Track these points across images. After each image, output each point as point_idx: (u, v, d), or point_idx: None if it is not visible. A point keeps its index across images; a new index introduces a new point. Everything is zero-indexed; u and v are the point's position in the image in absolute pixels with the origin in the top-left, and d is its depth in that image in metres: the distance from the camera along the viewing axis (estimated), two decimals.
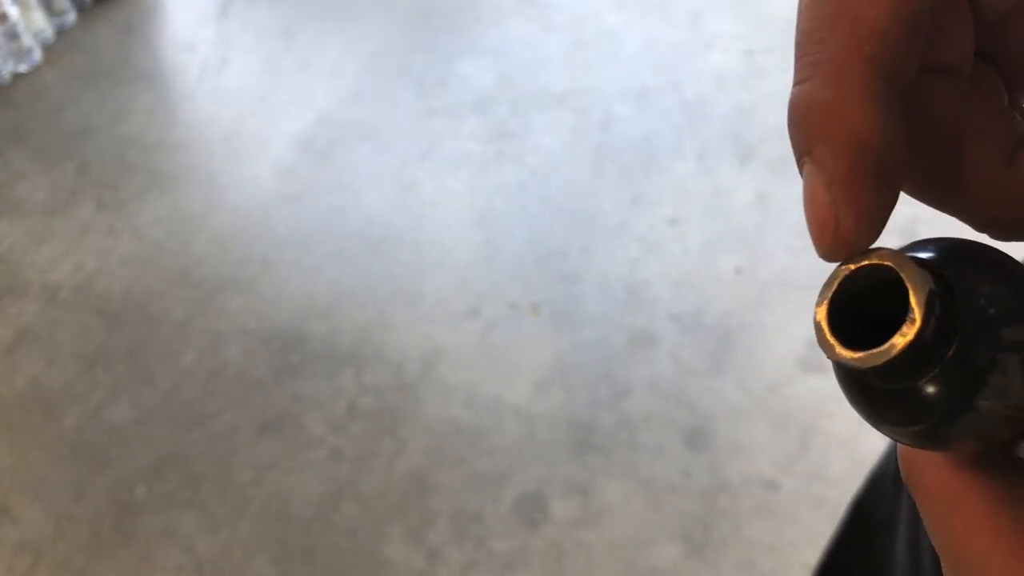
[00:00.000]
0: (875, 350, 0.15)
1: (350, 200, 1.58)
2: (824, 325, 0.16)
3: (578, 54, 1.81)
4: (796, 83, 0.16)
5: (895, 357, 0.15)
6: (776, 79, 1.67)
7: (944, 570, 0.18)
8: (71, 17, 2.00)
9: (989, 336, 0.15)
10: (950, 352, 0.15)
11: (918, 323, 0.15)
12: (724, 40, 1.79)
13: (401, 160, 1.63)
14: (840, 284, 0.16)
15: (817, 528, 1.10)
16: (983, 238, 0.18)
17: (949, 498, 0.17)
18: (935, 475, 0.18)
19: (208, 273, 1.49)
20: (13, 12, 1.83)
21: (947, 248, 0.16)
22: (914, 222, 1.44)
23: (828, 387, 1.21)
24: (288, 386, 1.32)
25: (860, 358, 0.16)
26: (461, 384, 1.30)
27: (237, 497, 1.21)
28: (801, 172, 0.16)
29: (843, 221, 0.16)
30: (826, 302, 0.16)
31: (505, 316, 1.37)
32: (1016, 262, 0.16)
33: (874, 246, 0.16)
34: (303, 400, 1.30)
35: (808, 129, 0.16)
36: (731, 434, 1.21)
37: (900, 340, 0.15)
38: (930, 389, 0.16)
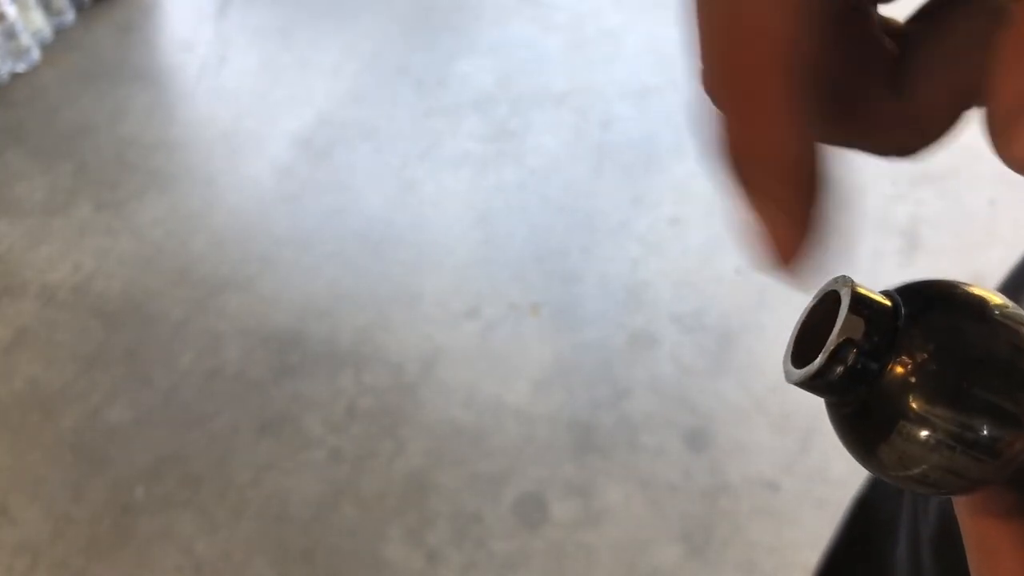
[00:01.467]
0: (791, 369, 0.17)
1: (349, 200, 1.57)
2: (791, 343, 0.17)
3: (578, 53, 1.81)
4: (708, 95, 0.16)
5: (799, 383, 0.16)
6: None
7: None
8: (69, 16, 1.99)
9: (898, 400, 0.15)
10: (860, 398, 0.16)
11: (817, 364, 0.16)
12: None
13: (401, 160, 1.63)
14: (808, 313, 0.17)
15: (818, 529, 1.10)
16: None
17: (983, 546, 0.17)
18: (971, 522, 0.17)
19: (207, 273, 1.48)
20: (11, 12, 1.83)
21: (927, 301, 0.16)
22: (915, 222, 1.44)
23: None
24: (287, 386, 1.32)
25: (786, 373, 0.17)
26: (461, 384, 1.29)
27: (236, 498, 1.21)
28: (738, 198, 0.16)
29: (804, 238, 0.16)
30: (801, 321, 0.18)
31: (505, 316, 1.37)
32: (998, 341, 0.16)
33: (855, 281, 0.17)
34: (302, 400, 1.30)
35: (747, 160, 0.16)
36: (732, 435, 1.21)
37: (802, 371, 0.16)
38: (844, 423, 0.17)
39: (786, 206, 0.16)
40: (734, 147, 0.16)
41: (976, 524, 0.17)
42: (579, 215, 1.51)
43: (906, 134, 0.18)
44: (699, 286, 1.38)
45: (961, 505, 0.18)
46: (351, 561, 1.14)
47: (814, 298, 0.17)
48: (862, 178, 1.47)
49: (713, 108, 0.16)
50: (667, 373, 1.28)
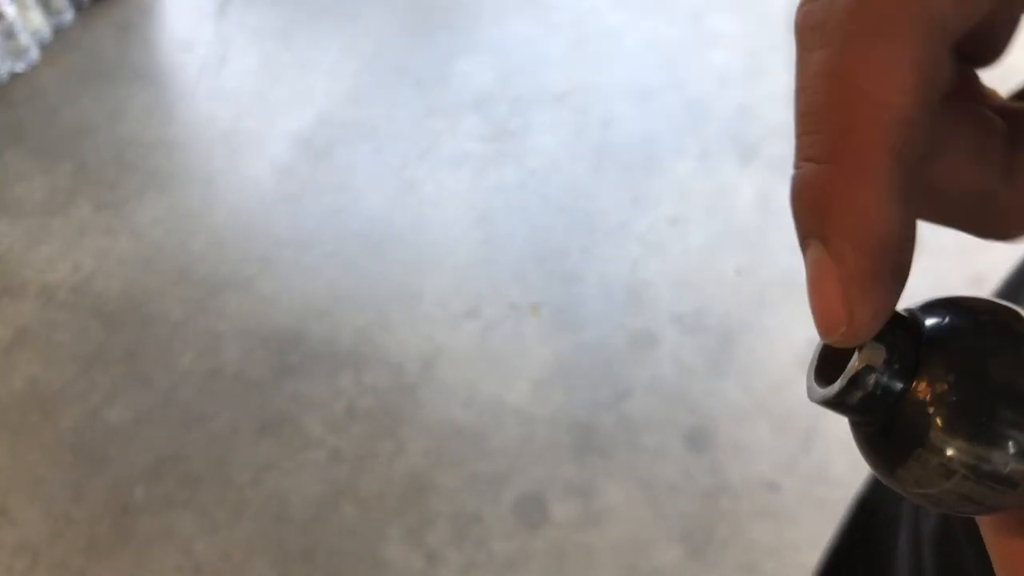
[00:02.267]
0: (813, 387, 0.17)
1: (349, 200, 1.57)
2: (814, 360, 0.17)
3: (579, 53, 1.81)
4: (806, 160, 0.15)
5: (819, 403, 0.17)
6: (778, 78, 1.66)
7: None
8: (69, 16, 1.99)
9: (916, 427, 0.16)
10: (880, 420, 0.16)
11: (836, 388, 0.16)
12: (725, 39, 1.78)
13: (400, 160, 1.63)
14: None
15: (819, 529, 1.10)
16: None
17: (1008, 564, 0.17)
18: (996, 541, 0.17)
19: (206, 273, 1.48)
20: (10, 11, 1.83)
21: (951, 324, 0.16)
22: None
23: None
24: (287, 386, 1.32)
25: (808, 390, 0.17)
26: (461, 385, 1.29)
27: (236, 498, 1.21)
28: (804, 251, 0.16)
29: (858, 318, 0.15)
30: (821, 343, 0.17)
31: (505, 316, 1.37)
32: (1021, 371, 0.16)
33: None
34: (302, 401, 1.30)
35: (825, 218, 0.15)
36: (732, 435, 1.21)
37: (822, 393, 0.16)
38: (865, 442, 0.17)
39: (852, 280, 0.15)
40: (826, 194, 0.15)
41: (1001, 543, 0.17)
42: (579, 215, 1.51)
43: (1012, 221, 0.17)
44: (699, 286, 1.38)
45: (986, 524, 0.18)
46: (351, 561, 1.14)
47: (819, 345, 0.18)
48: None
49: (811, 143, 0.15)
50: (667, 373, 1.28)
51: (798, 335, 1.29)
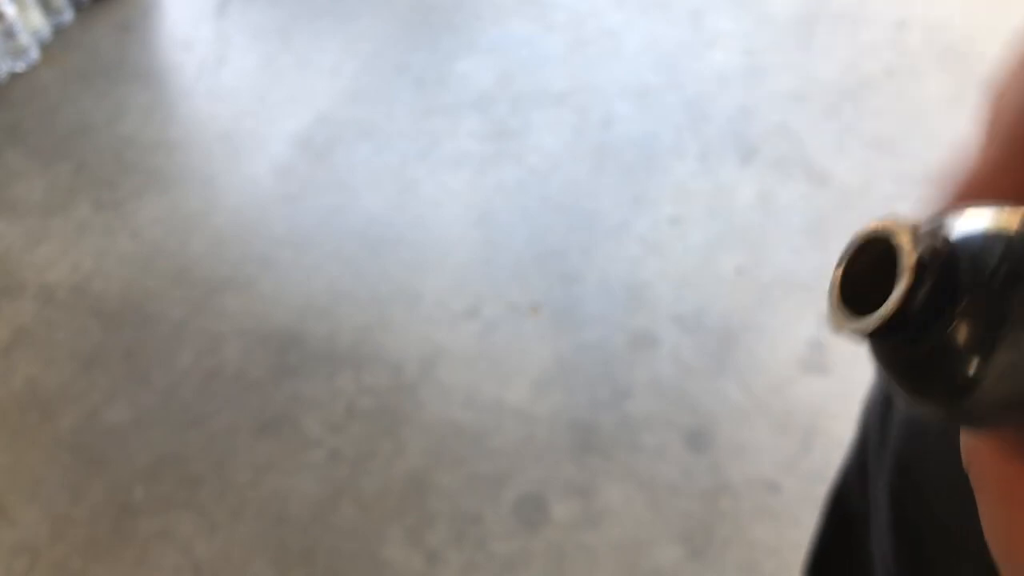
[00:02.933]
0: (860, 319, 0.15)
1: (349, 199, 1.57)
2: (835, 294, 0.16)
3: (579, 52, 1.80)
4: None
5: (879, 327, 0.15)
6: (777, 78, 1.66)
7: (1001, 572, 0.16)
8: (68, 16, 1.99)
9: (998, 309, 0.15)
10: (949, 323, 0.15)
11: (896, 299, 0.15)
12: (725, 39, 1.78)
13: (400, 159, 1.63)
14: (851, 257, 0.16)
15: None
16: None
17: (1011, 495, 0.16)
18: (997, 470, 0.16)
19: (206, 273, 1.48)
20: (10, 11, 1.83)
21: (971, 231, 0.15)
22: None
23: (830, 387, 1.20)
24: (286, 387, 1.31)
25: (850, 326, 0.15)
26: (461, 385, 1.29)
27: (235, 498, 1.20)
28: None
29: None
30: (840, 272, 0.16)
31: (505, 316, 1.36)
32: None
33: (893, 217, 0.15)
34: (302, 401, 1.30)
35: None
36: (732, 435, 1.20)
37: (883, 310, 0.15)
38: (932, 358, 0.15)
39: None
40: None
41: (1003, 472, 0.16)
42: (579, 215, 1.50)
43: None
44: (699, 286, 1.38)
45: (986, 453, 0.17)
46: (351, 561, 1.14)
47: (849, 249, 0.16)
48: (863, 177, 1.45)
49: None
50: (667, 373, 1.27)
51: (799, 335, 1.29)
